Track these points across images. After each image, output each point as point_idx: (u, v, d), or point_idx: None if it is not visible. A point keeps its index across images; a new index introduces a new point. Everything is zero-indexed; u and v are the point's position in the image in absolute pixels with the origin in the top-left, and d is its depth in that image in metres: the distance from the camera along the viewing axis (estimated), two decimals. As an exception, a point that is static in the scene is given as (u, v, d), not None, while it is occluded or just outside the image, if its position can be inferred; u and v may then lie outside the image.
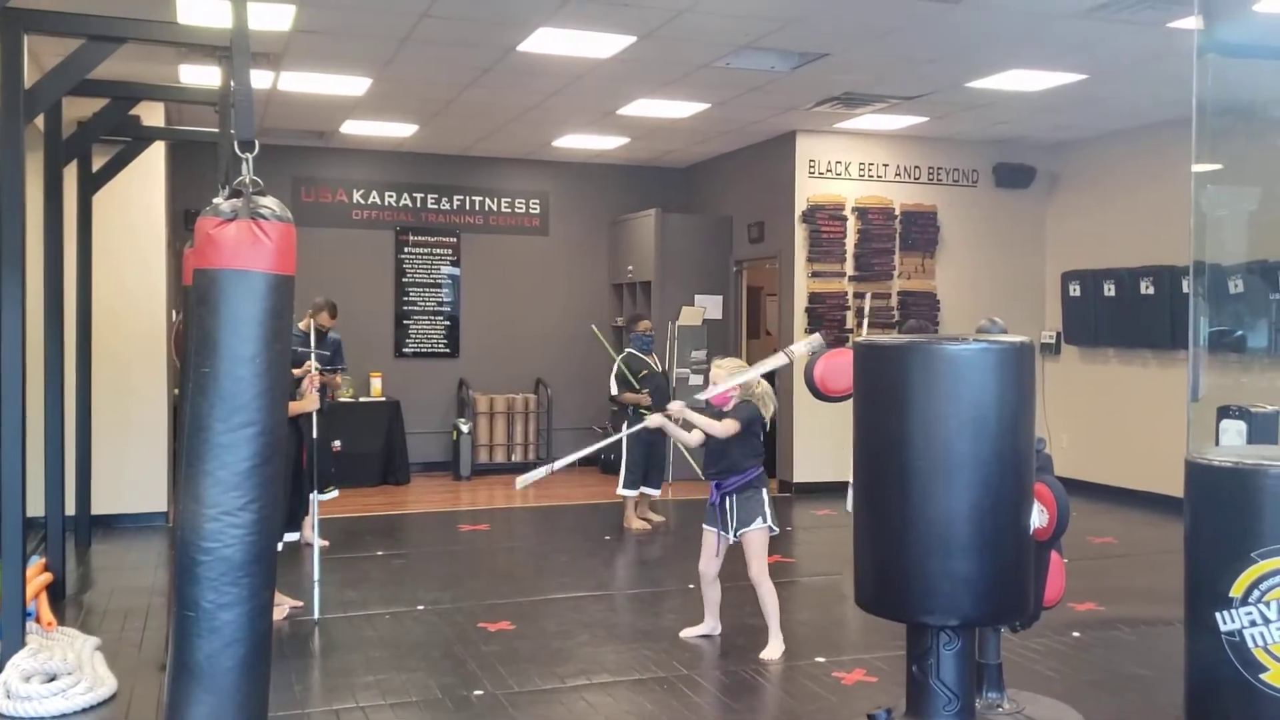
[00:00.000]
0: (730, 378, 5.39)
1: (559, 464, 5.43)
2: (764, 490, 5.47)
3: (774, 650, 5.46)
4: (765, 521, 5.43)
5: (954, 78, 8.22)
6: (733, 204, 11.58)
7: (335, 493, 7.69)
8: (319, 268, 10.51)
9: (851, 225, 10.48)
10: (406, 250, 11.83)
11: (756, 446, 5.47)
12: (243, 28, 3.28)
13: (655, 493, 8.95)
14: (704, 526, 5.60)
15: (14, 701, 4.56)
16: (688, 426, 5.42)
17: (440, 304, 11.98)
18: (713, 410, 5.49)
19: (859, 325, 9.96)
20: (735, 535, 5.45)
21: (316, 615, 6.05)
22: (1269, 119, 4.61)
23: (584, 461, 9.21)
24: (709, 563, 5.59)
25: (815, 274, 10.38)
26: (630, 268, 11.86)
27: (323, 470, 6.70)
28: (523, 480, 5.26)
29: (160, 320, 8.69)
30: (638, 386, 8.71)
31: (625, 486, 8.69)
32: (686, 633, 5.75)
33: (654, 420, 5.58)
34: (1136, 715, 4.76)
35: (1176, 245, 8.70)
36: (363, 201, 11.66)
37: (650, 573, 7.44)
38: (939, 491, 3.63)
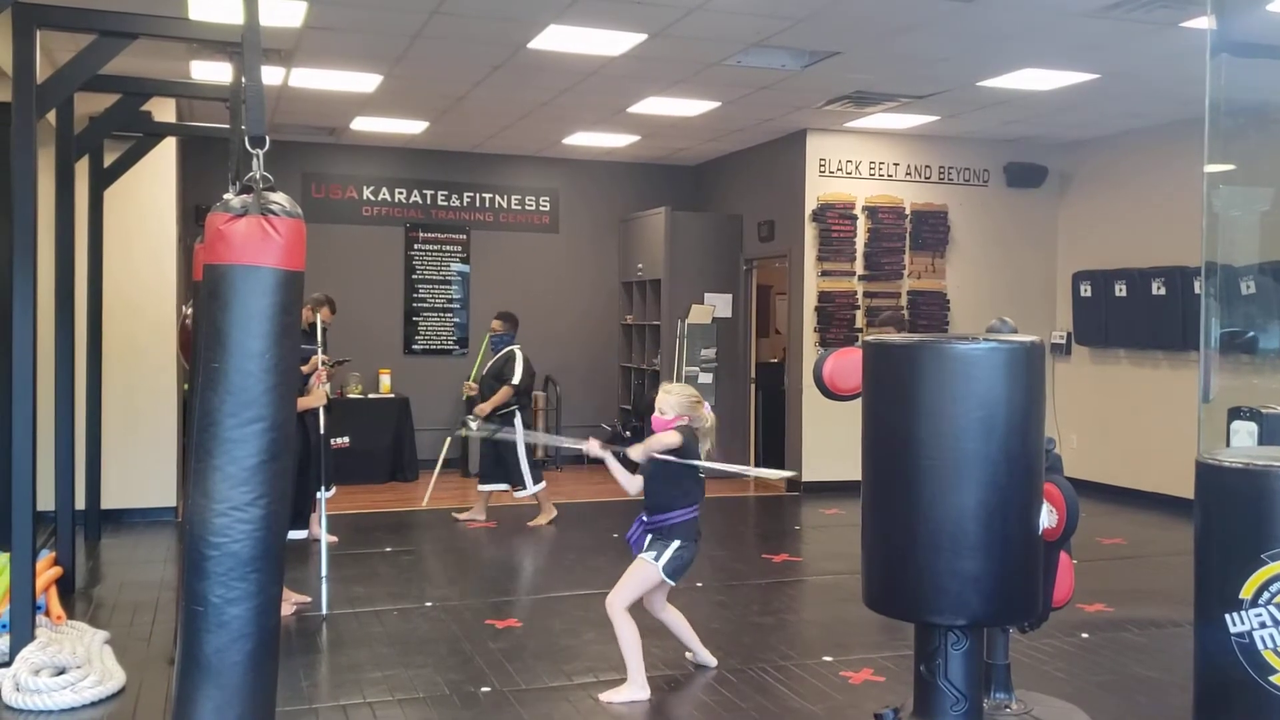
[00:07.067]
0: (677, 405, 4.94)
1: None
2: (679, 540, 4.83)
3: (622, 694, 4.82)
4: (656, 561, 4.82)
5: (965, 77, 8.20)
6: (743, 202, 11.56)
7: (333, 490, 7.48)
8: (329, 264, 10.55)
9: (862, 224, 10.47)
10: (416, 247, 11.84)
11: (689, 488, 4.91)
12: (254, 24, 3.28)
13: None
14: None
15: (23, 694, 4.59)
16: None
17: (450, 301, 12.00)
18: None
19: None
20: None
21: (324, 611, 6.07)
22: (1282, 119, 4.59)
23: (587, 459, 9.18)
24: (645, 600, 5.04)
25: (825, 273, 10.37)
26: (640, 265, 11.86)
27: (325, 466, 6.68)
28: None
29: (171, 315, 8.71)
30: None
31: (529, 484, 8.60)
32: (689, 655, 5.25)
33: (593, 450, 5.05)
34: (1145, 717, 4.75)
35: (1188, 246, 8.68)
36: (373, 198, 11.68)
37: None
38: (948, 490, 3.62)
